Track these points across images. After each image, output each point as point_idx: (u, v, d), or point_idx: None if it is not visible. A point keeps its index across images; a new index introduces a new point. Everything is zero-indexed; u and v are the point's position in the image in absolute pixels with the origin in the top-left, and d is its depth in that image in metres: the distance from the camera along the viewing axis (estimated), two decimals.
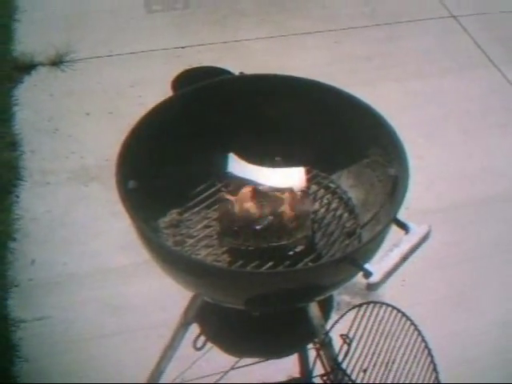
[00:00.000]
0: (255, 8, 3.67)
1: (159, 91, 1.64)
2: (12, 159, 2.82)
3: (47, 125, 2.97)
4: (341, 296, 2.29)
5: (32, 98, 3.10)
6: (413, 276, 2.33)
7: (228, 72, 1.85)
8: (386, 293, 2.28)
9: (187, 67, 1.86)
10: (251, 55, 3.31)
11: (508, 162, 2.88)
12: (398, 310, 1.71)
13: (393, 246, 1.29)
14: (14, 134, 2.92)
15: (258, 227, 1.47)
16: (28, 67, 3.22)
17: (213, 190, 1.61)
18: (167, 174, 1.56)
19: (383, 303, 1.70)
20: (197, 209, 1.59)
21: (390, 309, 1.70)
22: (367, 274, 1.25)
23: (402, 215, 1.39)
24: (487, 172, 2.84)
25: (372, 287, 1.24)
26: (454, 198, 2.73)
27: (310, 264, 1.44)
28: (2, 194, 2.67)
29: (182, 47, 3.39)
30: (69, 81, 3.19)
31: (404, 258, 1.28)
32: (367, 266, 1.26)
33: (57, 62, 3.25)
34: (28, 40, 3.37)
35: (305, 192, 1.55)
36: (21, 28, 3.45)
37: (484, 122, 3.06)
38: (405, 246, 1.29)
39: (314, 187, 1.65)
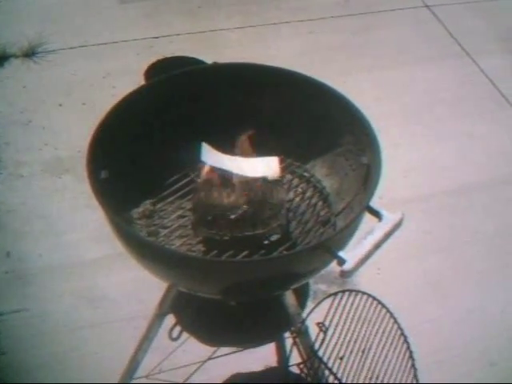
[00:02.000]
0: None
1: (132, 82, 1.63)
2: None
3: (20, 116, 2.95)
4: (317, 285, 2.30)
5: (5, 90, 3.07)
6: (388, 264, 2.36)
7: (201, 62, 1.84)
8: (361, 281, 2.30)
9: (160, 57, 1.85)
10: (225, 45, 3.30)
11: (483, 151, 2.91)
12: (374, 298, 1.72)
13: (366, 234, 1.30)
14: None
15: (232, 216, 1.47)
16: (0, 59, 3.18)
17: (186, 179, 1.61)
18: (140, 163, 1.55)
19: (359, 291, 1.71)
20: (170, 199, 1.58)
21: (365, 297, 1.71)
22: (341, 262, 1.25)
23: (376, 204, 1.39)
24: (462, 161, 2.86)
25: (346, 274, 1.24)
26: (429, 187, 2.74)
27: (285, 252, 1.44)
28: None
29: (155, 37, 3.37)
30: (42, 72, 3.16)
31: (377, 245, 1.28)
32: (341, 253, 1.26)
33: (29, 54, 3.22)
34: (0, 31, 3.32)
35: (279, 181, 1.56)
36: None
37: (458, 110, 3.08)
38: (378, 234, 1.29)
39: (288, 176, 1.65)
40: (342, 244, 1.35)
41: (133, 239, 1.38)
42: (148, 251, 1.36)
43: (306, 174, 1.66)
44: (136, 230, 1.50)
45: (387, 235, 1.31)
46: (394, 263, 2.39)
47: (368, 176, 1.45)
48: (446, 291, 2.38)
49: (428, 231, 2.57)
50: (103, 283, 2.31)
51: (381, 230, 1.31)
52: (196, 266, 1.33)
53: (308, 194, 1.63)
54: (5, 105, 2.99)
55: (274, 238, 1.49)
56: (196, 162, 1.59)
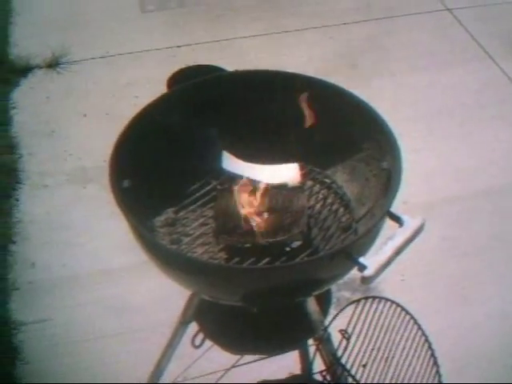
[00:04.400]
0: (249, 6, 3.68)
1: (155, 91, 1.64)
2: (10, 162, 2.82)
3: (44, 127, 2.98)
4: (340, 292, 2.29)
5: (29, 101, 3.11)
6: (412, 271, 2.34)
7: (223, 70, 1.85)
8: (385, 288, 2.29)
9: (182, 66, 1.86)
10: (246, 53, 3.31)
11: (504, 155, 2.88)
12: (398, 305, 1.71)
13: (387, 240, 1.29)
14: (12, 137, 2.93)
15: (253, 224, 1.48)
16: (24, 70, 3.23)
17: (208, 187, 1.62)
18: (162, 172, 1.56)
19: (382, 298, 1.70)
20: (192, 207, 1.59)
21: (389, 303, 1.70)
22: (362, 268, 1.25)
23: (399, 210, 1.38)
24: (484, 165, 2.83)
25: (366, 280, 1.24)
26: (451, 192, 2.72)
27: (306, 259, 1.44)
28: (1, 198, 2.68)
29: (177, 46, 3.39)
30: (65, 83, 3.20)
31: (398, 251, 1.28)
32: (361, 259, 1.26)
33: (53, 64, 3.25)
34: (24, 43, 3.37)
35: (300, 188, 1.56)
36: (16, 31, 3.47)
37: (480, 115, 3.06)
38: (399, 239, 1.29)
39: (309, 183, 1.65)
40: (363, 250, 1.34)
41: (155, 247, 1.39)
42: (170, 259, 1.37)
43: (326, 180, 1.66)
44: (158, 239, 1.50)
45: (408, 241, 1.30)
46: (417, 269, 2.38)
47: (389, 181, 1.44)
48: (469, 297, 2.36)
49: (452, 236, 2.55)
50: (127, 292, 2.32)
51: (402, 235, 1.30)
52: (218, 273, 1.34)
53: (329, 200, 1.63)
54: (29, 115, 3.03)
55: (296, 244, 1.49)
56: (217, 169, 1.60)
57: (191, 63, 2.04)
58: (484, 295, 2.36)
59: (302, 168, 1.61)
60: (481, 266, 2.45)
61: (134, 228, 1.37)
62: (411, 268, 2.30)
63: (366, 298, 1.68)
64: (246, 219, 1.48)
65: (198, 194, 1.61)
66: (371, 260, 1.26)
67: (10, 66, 3.22)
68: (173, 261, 1.37)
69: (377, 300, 1.69)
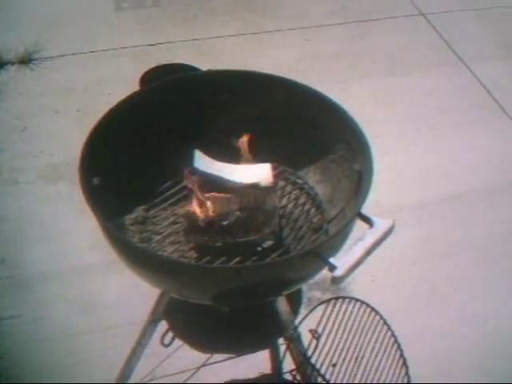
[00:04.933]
0: (225, 6, 3.68)
1: (128, 89, 1.64)
2: None
3: (16, 123, 2.95)
4: (311, 292, 2.30)
5: (1, 97, 3.07)
6: (382, 272, 2.36)
7: (196, 69, 1.85)
8: (355, 288, 2.30)
9: (156, 65, 1.85)
10: (221, 53, 3.31)
11: (475, 159, 2.91)
12: (367, 305, 1.72)
13: (357, 240, 1.30)
14: None
15: (224, 223, 1.47)
16: None
17: (179, 186, 1.61)
18: (133, 170, 1.55)
19: (352, 298, 1.71)
20: (163, 205, 1.59)
21: (359, 304, 1.71)
22: (332, 268, 1.25)
23: (371, 211, 1.39)
24: (455, 169, 2.86)
25: (336, 280, 1.24)
26: (422, 194, 2.75)
27: (277, 258, 1.44)
28: None
29: (151, 45, 3.38)
30: (38, 79, 3.17)
31: (368, 252, 1.28)
32: (332, 259, 1.26)
33: (26, 60, 3.22)
34: None
35: (272, 188, 1.56)
36: None
37: (452, 119, 3.09)
38: (369, 240, 1.30)
39: (281, 183, 1.65)
40: (334, 250, 1.35)
41: (124, 246, 1.38)
42: (139, 258, 1.36)
43: (298, 180, 1.66)
44: (128, 237, 1.50)
45: (378, 242, 1.31)
46: (388, 270, 2.40)
47: (360, 183, 1.45)
48: (440, 298, 2.38)
49: (422, 238, 2.57)
50: (97, 289, 2.31)
51: (372, 236, 1.31)
52: (187, 272, 1.33)
53: (301, 200, 1.63)
54: (0, 111, 3.00)
55: (267, 244, 1.50)
56: (189, 168, 1.59)
57: (165, 62, 2.03)
58: (454, 297, 2.38)
59: (274, 168, 1.61)
60: (451, 268, 2.47)
61: (102, 226, 1.36)
62: (381, 269, 2.31)
63: (337, 298, 1.69)
64: (217, 218, 1.48)
65: (169, 193, 1.60)
66: (341, 260, 1.26)
67: None
68: (142, 259, 1.36)
69: (347, 300, 1.70)
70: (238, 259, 1.44)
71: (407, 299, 2.35)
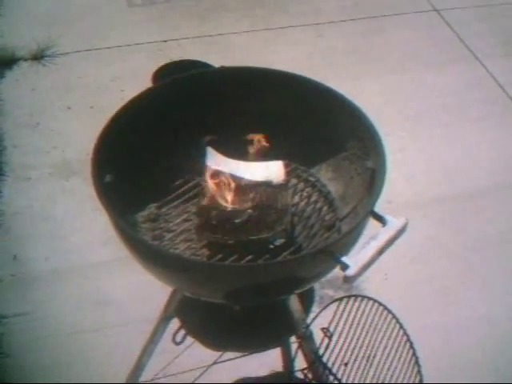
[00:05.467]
0: (237, 2, 3.66)
1: (141, 85, 1.63)
2: None
3: (29, 119, 2.95)
4: (324, 290, 2.29)
5: (13, 93, 3.08)
6: (395, 270, 2.35)
7: (209, 65, 1.84)
8: (368, 287, 2.29)
9: (169, 61, 1.85)
10: (233, 49, 3.30)
11: (489, 156, 2.89)
12: (380, 304, 1.71)
13: (370, 239, 1.29)
14: None
15: (236, 221, 1.47)
16: (9, 62, 3.19)
17: (191, 183, 1.61)
18: (145, 167, 1.55)
19: (365, 296, 1.71)
20: (175, 202, 1.58)
21: (371, 302, 1.70)
22: (344, 267, 1.25)
23: (384, 209, 1.38)
24: (469, 166, 2.84)
25: (348, 280, 1.23)
26: (435, 192, 2.73)
27: (289, 257, 1.43)
28: None
29: (164, 41, 3.37)
30: (50, 75, 3.17)
31: (381, 251, 1.28)
32: (344, 258, 1.25)
33: (38, 57, 3.23)
34: (9, 34, 3.35)
35: (284, 185, 1.55)
36: (3, 23, 3.43)
37: (466, 115, 3.07)
38: (381, 239, 1.29)
39: (293, 180, 1.65)
40: (346, 249, 1.34)
41: (137, 243, 1.38)
42: (151, 255, 1.36)
43: (311, 178, 1.66)
44: (140, 234, 1.50)
45: (391, 241, 1.30)
46: (401, 268, 2.38)
47: (373, 180, 1.44)
48: (452, 297, 2.37)
49: (435, 236, 2.55)
50: (108, 286, 2.31)
51: (384, 235, 1.30)
52: (199, 270, 1.33)
53: (313, 198, 1.62)
54: (13, 107, 3.00)
55: (279, 242, 1.49)
56: (201, 165, 1.59)
57: (177, 58, 2.03)
58: (467, 296, 2.37)
59: (286, 166, 1.60)
60: (464, 267, 2.46)
61: (115, 223, 1.36)
62: (394, 267, 2.30)
63: (349, 297, 1.68)
64: (229, 216, 1.47)
65: (181, 190, 1.60)
66: (354, 259, 1.25)
67: None
68: (154, 257, 1.36)
69: (359, 298, 1.69)
70: (249, 257, 1.44)
71: (420, 297, 2.34)
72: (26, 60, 3.22)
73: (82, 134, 2.80)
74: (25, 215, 2.58)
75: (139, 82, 1.66)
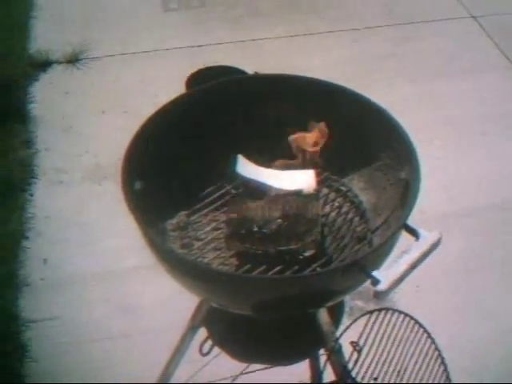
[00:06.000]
0: (272, 7, 3.65)
1: (175, 90, 1.62)
2: (26, 157, 2.81)
3: (62, 123, 2.97)
4: (354, 301, 2.26)
5: (47, 96, 3.10)
6: (427, 282, 2.30)
7: (243, 72, 1.82)
8: (399, 299, 2.25)
9: (203, 66, 1.83)
10: (268, 55, 3.28)
11: None
12: (411, 318, 1.67)
13: (402, 253, 1.26)
14: (29, 131, 2.92)
15: (266, 231, 1.44)
16: (44, 65, 3.22)
17: (222, 191, 1.59)
18: (176, 174, 1.54)
19: (396, 310, 1.67)
20: (205, 211, 1.57)
21: (402, 316, 1.66)
22: (375, 282, 1.21)
23: (416, 219, 1.35)
24: (505, 176, 2.78)
25: (379, 295, 1.20)
26: (472, 202, 2.68)
27: (318, 269, 1.40)
28: (16, 193, 2.67)
29: (199, 46, 3.37)
30: (84, 79, 3.19)
31: (413, 266, 1.24)
32: (375, 272, 1.22)
33: (73, 60, 3.25)
34: (44, 37, 3.37)
35: (315, 195, 1.52)
36: (37, 25, 3.46)
37: (503, 124, 3.01)
38: (414, 253, 1.25)
39: (324, 190, 1.62)
40: (377, 263, 1.31)
41: (164, 252, 1.37)
42: (179, 265, 1.34)
43: (342, 187, 1.63)
44: (169, 242, 1.48)
45: (424, 255, 1.26)
46: (434, 281, 2.33)
47: (406, 192, 1.40)
48: (485, 312, 2.31)
49: (469, 248, 2.50)
50: (138, 293, 2.30)
51: (417, 249, 1.26)
52: (226, 281, 1.30)
53: (344, 208, 1.59)
54: (47, 110, 3.02)
55: (308, 253, 1.46)
56: (232, 173, 1.57)
57: (212, 63, 2.01)
58: (501, 310, 2.31)
59: (317, 175, 1.58)
60: (498, 280, 2.40)
61: (143, 231, 1.34)
62: (427, 278, 2.24)
63: (380, 310, 1.64)
64: (259, 225, 1.45)
65: (211, 198, 1.58)
66: (385, 274, 1.22)
67: (30, 60, 3.22)
68: (181, 267, 1.34)
69: (390, 312, 1.66)
70: (278, 268, 1.41)
71: (452, 311, 2.29)
72: (60, 63, 3.24)
73: (114, 138, 2.79)
74: (56, 219, 2.58)
75: (173, 87, 1.65)
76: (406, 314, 1.66)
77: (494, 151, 2.89)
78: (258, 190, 1.51)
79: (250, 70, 1.76)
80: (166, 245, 1.44)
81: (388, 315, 1.64)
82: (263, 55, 3.28)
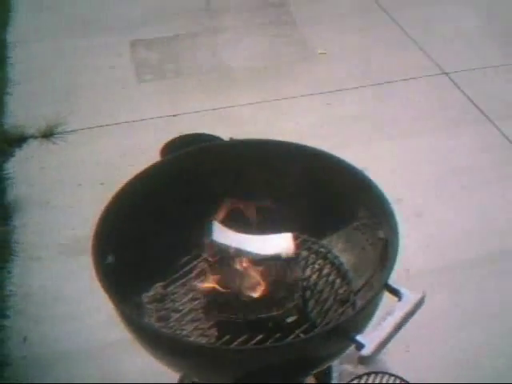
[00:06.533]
0: (246, 75, 3.68)
1: (150, 160, 1.61)
2: (3, 234, 2.77)
3: (39, 198, 2.93)
4: (342, 365, 2.19)
5: (23, 172, 3.06)
6: (417, 341, 2.24)
7: (217, 138, 1.82)
8: (389, 360, 2.18)
9: (178, 135, 1.83)
10: (242, 121, 3.28)
11: (508, 219, 2.82)
12: (402, 379, 1.63)
13: (386, 315, 1.22)
14: (6, 207, 2.88)
15: (244, 298, 1.41)
16: (19, 140, 3.20)
17: (198, 260, 1.56)
18: (150, 244, 1.51)
19: (385, 372, 1.63)
20: (182, 281, 1.54)
21: (392, 378, 1.63)
22: (359, 346, 1.18)
23: (401, 277, 1.32)
24: (487, 229, 2.77)
25: (364, 360, 1.16)
26: (455, 257, 2.64)
27: (301, 336, 1.36)
28: None
29: (174, 115, 3.37)
30: (60, 153, 3.16)
31: (397, 327, 1.21)
32: (359, 337, 1.18)
33: (48, 135, 3.22)
34: (19, 113, 3.35)
35: (294, 258, 1.49)
36: (12, 101, 3.45)
37: (482, 177, 3.00)
38: (398, 315, 1.22)
39: (304, 253, 1.59)
40: (360, 326, 1.28)
41: (137, 327, 1.32)
42: (153, 340, 1.30)
43: (322, 249, 1.61)
44: (144, 317, 1.44)
45: (408, 316, 1.23)
46: (423, 340, 2.28)
47: (385, 251, 1.38)
48: (479, 369, 2.25)
49: (458, 304, 2.46)
50: (121, 368, 2.22)
51: (401, 310, 1.23)
52: (205, 355, 1.26)
53: (325, 270, 1.57)
54: (23, 186, 2.98)
55: (291, 319, 1.42)
56: (208, 241, 1.54)
57: (188, 131, 2.00)
58: (495, 367, 2.25)
59: (295, 238, 1.55)
60: (488, 336, 2.36)
61: (115, 306, 1.30)
62: (415, 338, 2.20)
63: (369, 374, 1.60)
64: (237, 293, 1.41)
65: (187, 268, 1.55)
66: (369, 337, 1.18)
67: (5, 137, 3.20)
68: (156, 341, 1.29)
69: (380, 375, 1.62)
70: (260, 337, 1.37)
71: (446, 372, 2.23)
72: (35, 138, 3.22)
73: (91, 211, 2.75)
74: (36, 296, 2.52)
75: (149, 157, 1.64)
76: (397, 376, 1.62)
77: (475, 204, 2.88)
78: (235, 257, 1.48)
79: (225, 136, 1.75)
80: (139, 319, 1.40)
81: (378, 378, 1.61)
82: (239, 121, 3.28)
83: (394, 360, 2.17)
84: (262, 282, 1.43)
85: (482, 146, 3.17)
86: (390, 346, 1.26)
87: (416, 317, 1.31)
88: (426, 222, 2.76)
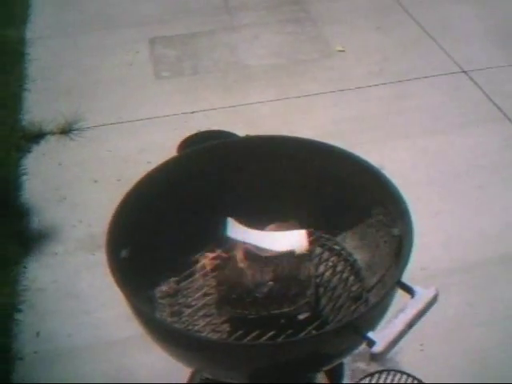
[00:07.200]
0: (263, 72, 3.67)
1: (167, 156, 1.61)
2: (20, 229, 2.78)
3: (55, 194, 2.94)
4: (355, 363, 2.18)
5: (40, 167, 3.08)
6: (432, 340, 2.23)
7: (234, 135, 1.82)
8: (403, 359, 2.17)
9: (196, 132, 1.82)
10: (260, 118, 3.28)
11: None
12: (414, 378, 1.62)
13: (398, 312, 1.21)
14: (22, 203, 2.89)
15: (257, 294, 1.40)
16: (37, 136, 3.21)
17: (212, 255, 1.55)
18: (164, 240, 1.51)
19: (398, 371, 1.62)
20: (195, 276, 1.53)
21: (405, 376, 1.62)
22: (370, 343, 1.17)
23: (417, 276, 1.31)
24: (504, 228, 2.74)
25: (375, 357, 1.15)
26: (472, 257, 2.62)
27: (313, 332, 1.36)
28: (10, 265, 2.63)
29: (191, 112, 3.37)
30: (77, 149, 3.18)
31: (410, 325, 1.20)
32: (370, 334, 1.17)
33: (66, 131, 3.24)
34: (37, 109, 3.37)
35: (307, 255, 1.49)
36: (30, 97, 3.47)
37: (499, 176, 2.98)
38: (410, 312, 1.21)
39: (318, 249, 1.59)
40: (372, 323, 1.27)
41: (150, 322, 1.32)
42: (165, 335, 1.30)
43: (336, 246, 1.60)
44: (157, 311, 1.44)
45: (420, 313, 1.22)
46: (437, 338, 2.26)
47: (400, 249, 1.37)
48: (493, 369, 2.24)
49: (473, 303, 2.44)
50: (133, 364, 2.23)
51: (413, 307, 1.22)
52: (217, 350, 1.26)
53: (339, 267, 1.56)
54: (40, 182, 3.00)
55: (303, 316, 1.42)
56: (222, 237, 1.54)
57: (205, 129, 2.00)
58: (508, 369, 2.23)
59: (310, 234, 1.55)
60: (503, 336, 2.34)
61: (127, 300, 1.30)
62: (431, 336, 2.19)
63: (381, 372, 1.59)
64: (250, 289, 1.41)
65: (201, 263, 1.55)
66: (381, 335, 1.18)
67: (23, 133, 3.22)
68: (168, 337, 1.29)
69: (392, 373, 1.61)
70: (272, 333, 1.36)
71: (460, 370, 2.22)
72: (53, 134, 3.23)
73: (107, 207, 2.77)
74: (49, 291, 2.53)
75: (166, 154, 1.64)
76: (409, 375, 1.61)
77: (492, 204, 2.86)
78: (248, 253, 1.48)
79: (242, 133, 1.75)
80: (152, 314, 1.40)
81: (390, 376, 1.60)
82: (255, 119, 3.27)
83: (408, 359, 2.16)
84: (275, 278, 1.42)
85: (500, 145, 3.14)
86: (404, 344, 1.25)
87: (431, 316, 1.30)
88: (442, 221, 2.74)
